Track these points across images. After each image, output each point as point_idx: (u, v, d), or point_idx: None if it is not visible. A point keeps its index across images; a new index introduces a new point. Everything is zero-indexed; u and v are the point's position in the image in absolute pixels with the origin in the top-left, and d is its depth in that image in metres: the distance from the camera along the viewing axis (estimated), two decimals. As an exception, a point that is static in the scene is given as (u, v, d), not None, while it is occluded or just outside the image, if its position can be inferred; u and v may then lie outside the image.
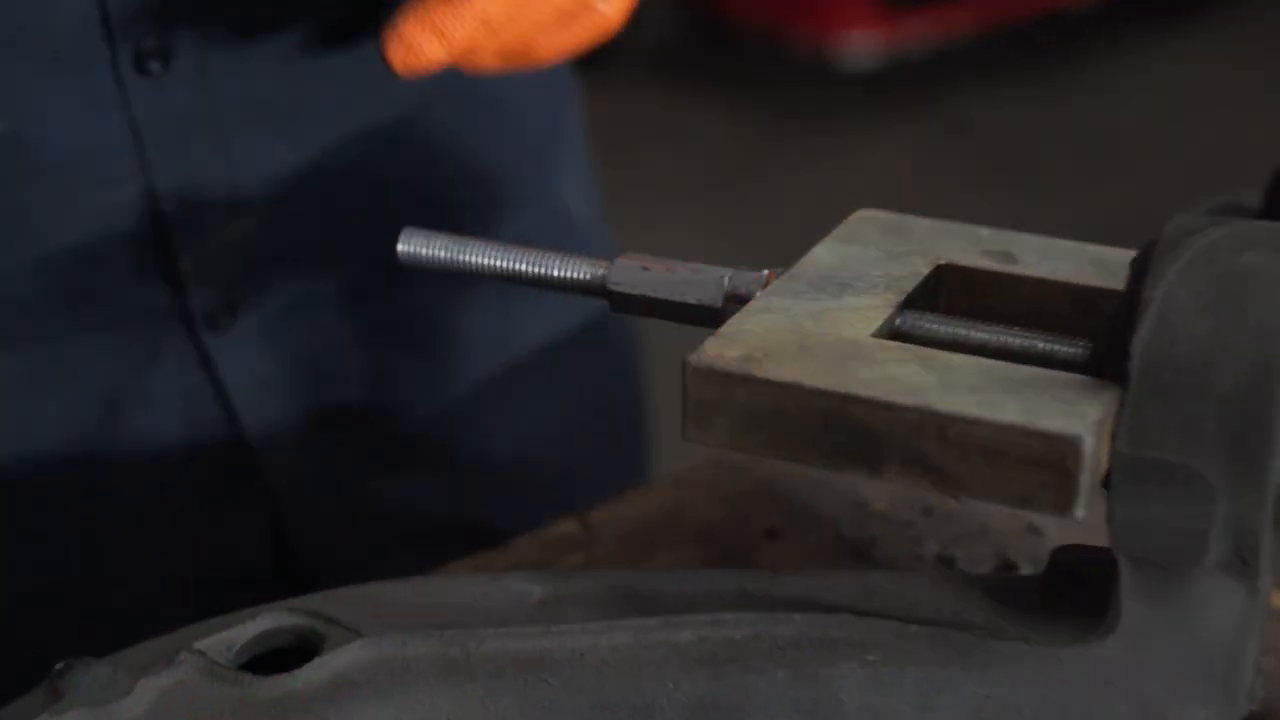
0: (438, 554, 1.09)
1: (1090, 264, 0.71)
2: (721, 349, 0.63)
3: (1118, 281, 0.70)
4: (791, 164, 3.44)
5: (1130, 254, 0.73)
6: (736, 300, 0.70)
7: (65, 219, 0.91)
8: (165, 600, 1.05)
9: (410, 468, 1.10)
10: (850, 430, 0.61)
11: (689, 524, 0.85)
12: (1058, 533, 0.83)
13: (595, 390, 1.20)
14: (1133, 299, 0.62)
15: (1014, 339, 0.66)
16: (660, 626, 0.68)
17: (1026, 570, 0.81)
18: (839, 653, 0.67)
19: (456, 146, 1.05)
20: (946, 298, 0.71)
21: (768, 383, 0.62)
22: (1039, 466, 0.59)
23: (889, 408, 0.60)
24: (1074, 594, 0.69)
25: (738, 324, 0.65)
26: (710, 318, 0.71)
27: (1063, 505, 0.59)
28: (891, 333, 0.67)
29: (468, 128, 1.05)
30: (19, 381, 0.95)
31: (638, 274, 0.72)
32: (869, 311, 0.67)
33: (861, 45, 3.33)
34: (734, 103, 3.49)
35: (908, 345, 0.65)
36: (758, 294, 0.68)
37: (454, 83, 1.00)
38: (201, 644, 0.67)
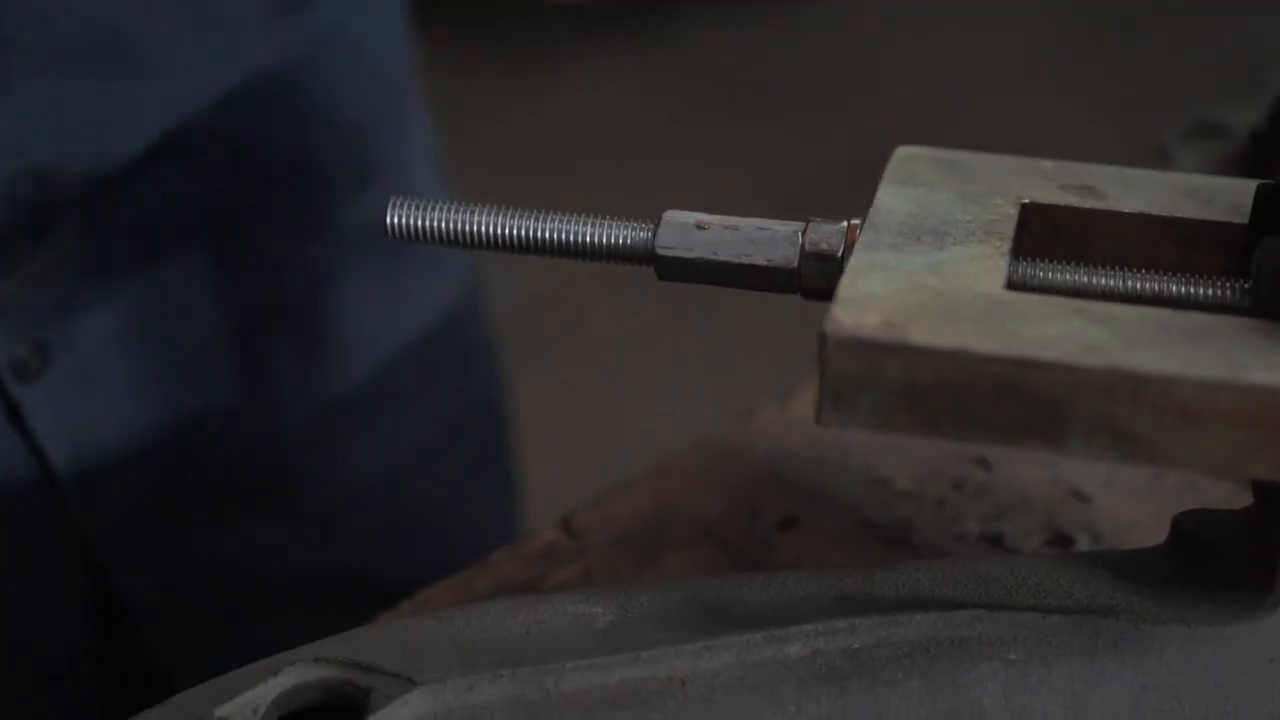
0: (301, 610, 1.02)
1: (1181, 194, 0.68)
2: (858, 316, 0.59)
3: (1219, 212, 0.67)
4: (501, 107, 3.39)
5: (1218, 181, 0.71)
6: (816, 258, 0.65)
7: None
8: None
9: (262, 514, 1.04)
10: (1028, 399, 0.57)
11: (689, 520, 0.80)
12: (1106, 500, 0.81)
13: (458, 410, 1.16)
14: (1301, 227, 0.60)
15: (1146, 283, 0.63)
16: (765, 642, 0.63)
17: (1082, 541, 0.79)
18: (976, 653, 0.63)
19: (318, 97, 1.00)
20: (1033, 240, 0.68)
21: (928, 351, 0.57)
22: (1251, 425, 0.56)
23: (1074, 371, 0.56)
24: (1205, 564, 0.66)
25: (854, 286, 0.61)
26: (784, 280, 0.66)
27: (1278, 466, 0.57)
28: (1011, 284, 0.63)
29: (327, 74, 1.00)
30: None
31: (692, 234, 0.67)
32: (985, 262, 0.63)
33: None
34: (429, 45, 3.42)
35: (1054, 298, 0.61)
36: (854, 250, 0.64)
37: (303, 33, 0.95)
38: (223, 710, 0.61)
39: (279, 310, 1.00)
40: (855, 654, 0.63)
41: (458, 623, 0.66)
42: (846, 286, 0.60)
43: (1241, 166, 0.91)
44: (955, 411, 0.57)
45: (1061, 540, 0.78)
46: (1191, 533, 0.67)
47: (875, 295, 0.60)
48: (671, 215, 0.67)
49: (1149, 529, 0.72)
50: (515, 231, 0.67)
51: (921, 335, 0.57)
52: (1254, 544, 0.64)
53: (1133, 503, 0.78)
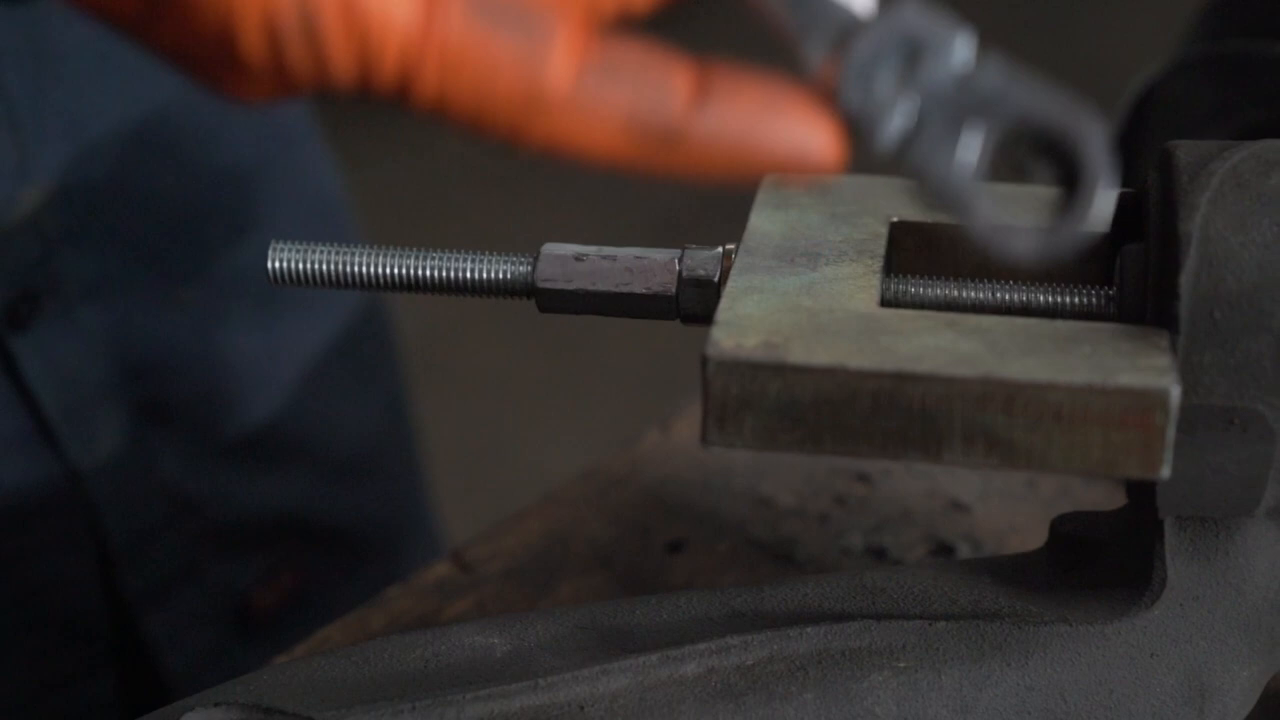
0: (266, 555, 1.08)
1: (1048, 207, 0.72)
2: (737, 338, 0.61)
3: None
4: (393, 145, 3.40)
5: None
6: (693, 284, 0.67)
7: None
8: None
9: (228, 470, 1.07)
10: (905, 412, 0.59)
11: (581, 547, 0.82)
12: (983, 509, 0.83)
13: (359, 439, 1.18)
14: (1165, 235, 0.63)
15: (1014, 294, 0.66)
16: (661, 663, 0.65)
17: (963, 549, 0.82)
18: (866, 663, 0.65)
19: (204, 142, 1.02)
20: (904, 257, 0.71)
21: (805, 369, 0.59)
22: (1123, 425, 0.59)
23: (949, 382, 0.59)
24: (1088, 564, 0.69)
25: (732, 309, 0.63)
26: (663, 307, 0.68)
27: (1150, 465, 0.58)
28: (884, 301, 0.66)
29: (214, 120, 1.02)
30: None
31: (571, 265, 0.68)
32: (858, 280, 0.65)
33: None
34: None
35: (926, 313, 0.63)
36: (730, 275, 0.66)
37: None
38: None
39: (163, 357, 1.01)
40: (749, 670, 0.65)
41: (355, 660, 0.67)
42: (725, 310, 0.63)
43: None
44: (836, 427, 0.60)
45: (943, 549, 0.81)
46: (1069, 535, 0.69)
47: (753, 317, 0.62)
48: (550, 248, 0.69)
49: (1027, 534, 0.75)
50: (395, 271, 0.69)
51: (799, 354, 0.59)
52: (1129, 543, 0.67)
53: (1010, 510, 0.80)
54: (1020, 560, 0.70)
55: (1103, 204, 0.55)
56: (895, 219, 0.70)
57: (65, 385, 0.96)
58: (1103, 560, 0.68)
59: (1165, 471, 0.59)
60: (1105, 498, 0.71)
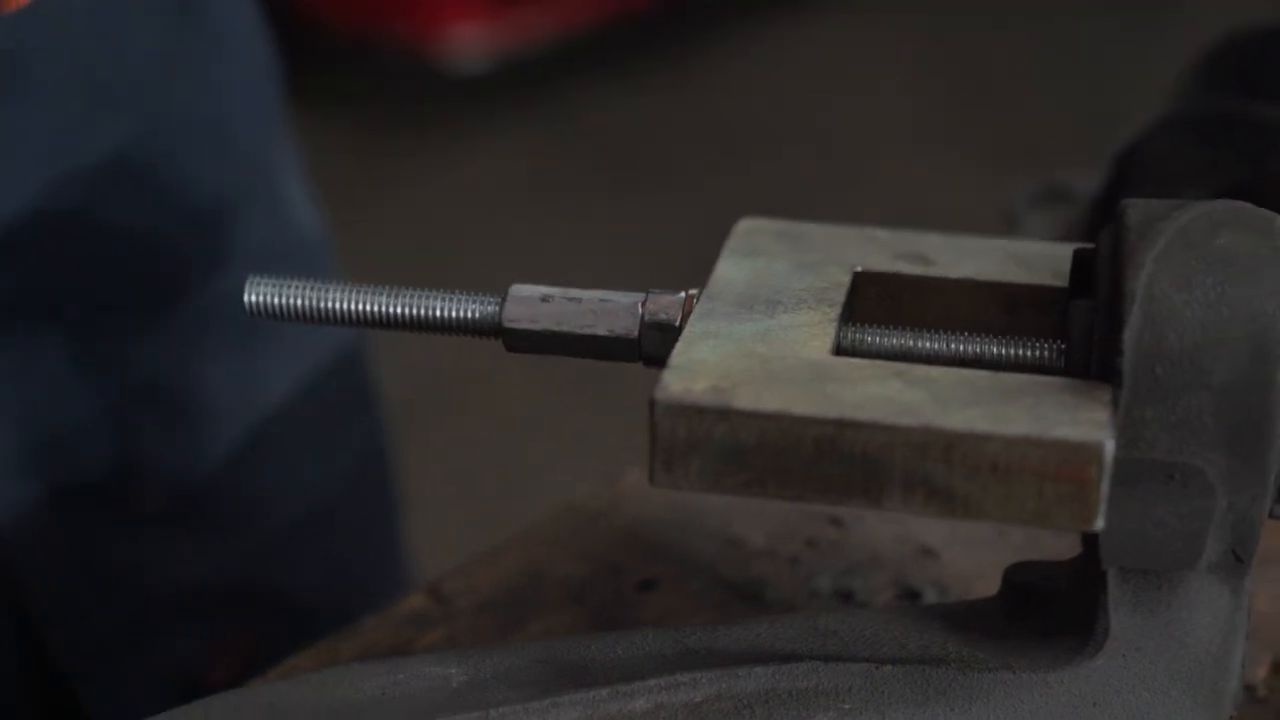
0: (215, 623, 1.07)
1: (1009, 260, 0.73)
2: (686, 382, 0.63)
3: (1043, 276, 0.72)
4: (403, 181, 3.42)
5: (1044, 246, 0.76)
6: (655, 328, 0.69)
7: None
8: None
9: (170, 534, 1.07)
10: (847, 458, 0.61)
11: (553, 585, 0.83)
12: (951, 554, 0.85)
13: (343, 442, 1.19)
14: (1113, 292, 0.65)
15: (967, 345, 0.67)
16: (611, 697, 0.66)
17: (929, 595, 0.83)
18: (811, 703, 0.66)
19: (178, 175, 1.03)
20: (867, 306, 0.73)
21: (750, 414, 0.61)
22: (1058, 478, 0.60)
23: (889, 430, 0.61)
24: (1039, 613, 0.71)
25: (686, 353, 0.65)
26: (625, 350, 0.70)
27: (1083, 517, 0.60)
28: (839, 349, 0.68)
29: (186, 154, 1.03)
30: None
31: (537, 307, 0.71)
32: (812, 328, 0.67)
33: (467, 43, 3.33)
34: (329, 117, 3.46)
35: (876, 362, 0.65)
36: (690, 319, 0.68)
37: (170, 110, 0.98)
38: None
39: (140, 385, 1.02)
40: (697, 707, 0.66)
41: (315, 686, 0.69)
42: (679, 354, 0.64)
43: (1084, 232, 0.96)
44: (779, 471, 0.61)
45: (910, 594, 0.82)
46: (1021, 584, 0.71)
47: (706, 362, 0.64)
48: (517, 289, 0.71)
49: (993, 581, 0.76)
50: (368, 308, 0.71)
51: (745, 400, 0.61)
52: (1078, 593, 0.69)
53: (977, 557, 0.82)
54: (973, 607, 0.72)
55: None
56: (859, 268, 0.72)
57: None
58: (1052, 609, 0.69)
59: (1099, 524, 0.61)
60: (1070, 547, 0.73)
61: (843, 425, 0.60)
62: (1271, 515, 0.66)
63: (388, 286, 0.71)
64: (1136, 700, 0.67)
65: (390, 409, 1.25)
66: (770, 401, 0.61)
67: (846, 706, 0.66)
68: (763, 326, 0.67)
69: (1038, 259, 0.72)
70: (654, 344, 0.69)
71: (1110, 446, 0.60)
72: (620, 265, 2.92)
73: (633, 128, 3.50)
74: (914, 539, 0.85)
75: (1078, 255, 0.70)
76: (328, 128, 3.26)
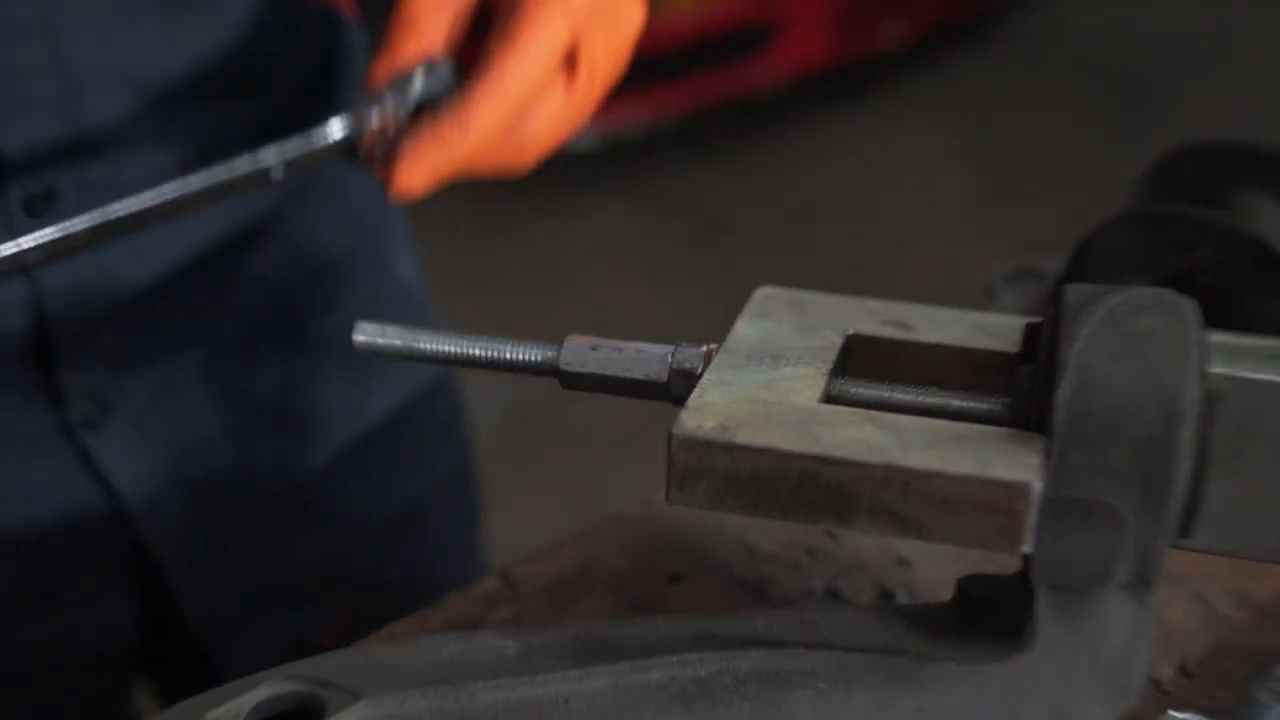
0: (320, 603, 1.08)
1: (975, 329, 0.74)
2: (699, 420, 0.65)
3: (1002, 344, 0.73)
4: (524, 242, 3.45)
5: (1003, 319, 0.77)
6: (681, 375, 0.71)
7: None
8: (37, 678, 1.01)
9: (286, 529, 1.08)
10: (824, 488, 0.62)
11: (602, 575, 0.85)
12: (922, 565, 0.86)
13: (436, 457, 1.20)
14: (1050, 360, 0.65)
15: (933, 399, 0.69)
16: (633, 670, 0.68)
17: (902, 595, 0.84)
18: (794, 682, 0.67)
19: (304, 235, 1.04)
20: (858, 364, 0.74)
21: (748, 449, 0.63)
22: (993, 511, 0.61)
23: (859, 466, 0.62)
24: (985, 617, 0.71)
25: (701, 397, 0.66)
26: (657, 391, 0.72)
27: (1011, 543, 0.61)
28: (828, 398, 0.69)
29: (313, 218, 1.04)
30: None
31: (587, 354, 0.72)
32: (807, 380, 0.68)
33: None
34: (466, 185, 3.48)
35: (856, 409, 0.66)
36: (709, 369, 0.69)
37: (314, 180, 1.00)
38: (213, 714, 0.65)
39: (264, 406, 1.04)
40: (702, 681, 0.67)
41: (403, 651, 0.70)
42: (695, 397, 0.66)
43: (1050, 307, 0.96)
44: (770, 496, 0.63)
45: (886, 595, 0.83)
46: (971, 592, 0.72)
47: (716, 405, 0.65)
48: (571, 339, 0.72)
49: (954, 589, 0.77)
50: (451, 350, 0.73)
51: (744, 437, 0.63)
52: (1015, 603, 0.69)
53: (944, 567, 0.83)
54: (932, 609, 0.73)
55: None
56: (851, 332, 0.73)
57: (138, 474, 0.98)
58: (995, 615, 0.70)
59: (1026, 549, 0.62)
60: (1016, 564, 0.73)
61: (822, 461, 0.62)
62: (1175, 546, 0.67)
63: (468, 333, 0.73)
64: (1058, 691, 0.68)
65: (497, 427, 1.26)
66: (764, 439, 0.63)
67: (822, 686, 0.67)
68: (766, 377, 0.68)
69: (1000, 329, 0.73)
70: (680, 388, 0.70)
71: (1037, 486, 0.61)
72: (693, 319, 2.93)
73: (711, 201, 3.51)
74: (893, 551, 0.86)
75: (1028, 328, 0.71)
76: (458, 189, 3.28)
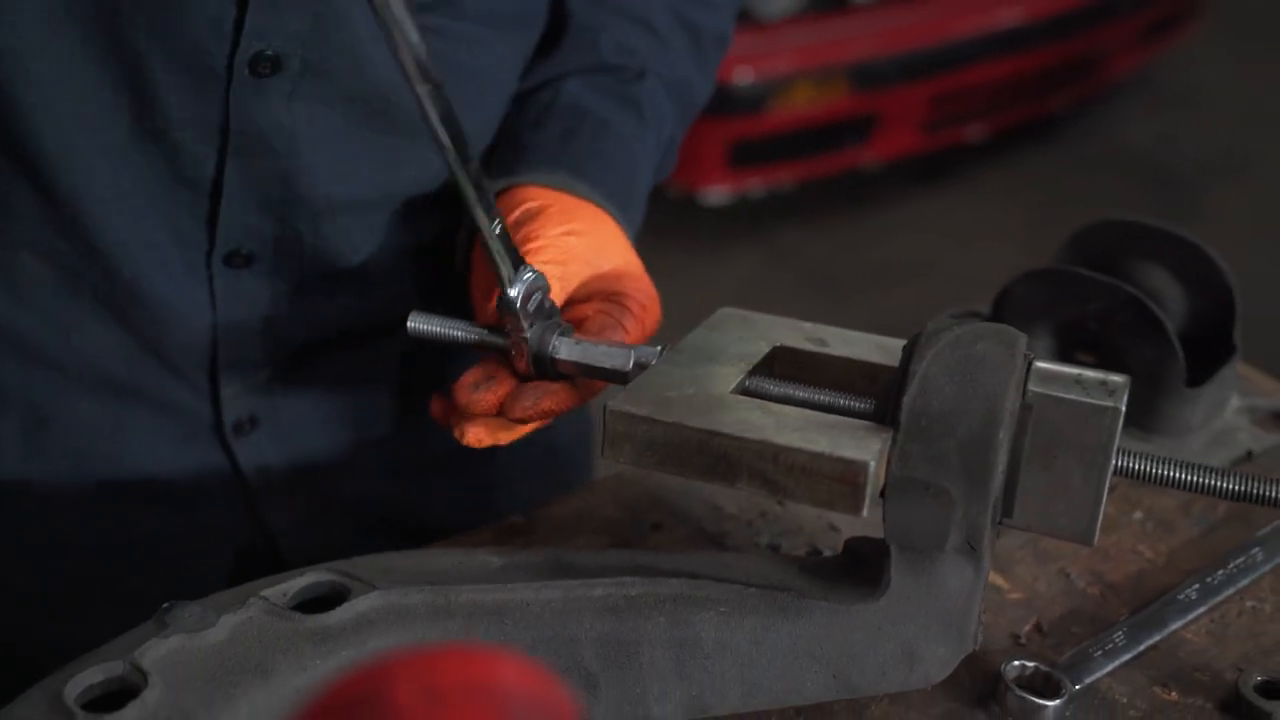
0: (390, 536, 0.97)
1: (876, 348, 0.76)
2: (631, 398, 0.67)
3: (891, 360, 0.75)
4: (668, 274, 3.48)
5: (900, 342, 0.78)
6: (639, 367, 0.74)
7: (164, 344, 0.88)
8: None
9: (379, 482, 1.01)
10: (715, 454, 0.65)
11: (598, 520, 0.88)
12: (848, 529, 0.87)
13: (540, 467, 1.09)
14: (903, 372, 0.67)
15: (823, 397, 0.70)
16: (580, 586, 0.70)
17: (828, 554, 0.86)
18: (701, 605, 0.69)
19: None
20: (779, 368, 0.76)
21: (659, 421, 0.65)
22: (840, 481, 0.63)
23: (740, 440, 0.64)
24: (861, 569, 0.73)
25: (640, 382, 0.69)
26: (621, 378, 0.75)
27: (853, 507, 0.63)
28: (743, 391, 0.71)
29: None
30: (88, 432, 0.91)
31: (571, 346, 0.76)
32: (728, 376, 0.71)
33: (716, 190, 3.41)
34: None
35: (754, 399, 0.69)
36: (657, 363, 0.72)
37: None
38: (265, 592, 0.69)
39: (390, 409, 1.00)
40: (631, 599, 0.69)
41: (418, 559, 0.73)
42: (635, 383, 0.69)
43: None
44: (675, 459, 0.65)
45: (816, 552, 0.84)
46: (853, 549, 0.73)
47: (650, 388, 0.68)
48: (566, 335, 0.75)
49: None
50: (471, 336, 0.76)
51: (659, 413, 0.65)
52: (878, 559, 0.71)
53: (863, 532, 0.83)
54: (820, 560, 0.74)
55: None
56: (778, 344, 0.75)
57: (268, 475, 0.95)
58: (866, 568, 0.71)
59: (864, 513, 0.63)
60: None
61: (711, 434, 0.64)
62: (998, 523, 0.68)
63: (489, 324, 0.75)
64: (906, 630, 0.69)
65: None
66: (674, 416, 0.65)
67: (723, 610, 0.69)
68: (696, 372, 0.70)
69: (894, 349, 0.74)
70: (635, 377, 0.72)
71: (873, 465, 0.62)
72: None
73: (817, 256, 3.51)
74: (826, 518, 0.87)
75: (905, 349, 0.72)
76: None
